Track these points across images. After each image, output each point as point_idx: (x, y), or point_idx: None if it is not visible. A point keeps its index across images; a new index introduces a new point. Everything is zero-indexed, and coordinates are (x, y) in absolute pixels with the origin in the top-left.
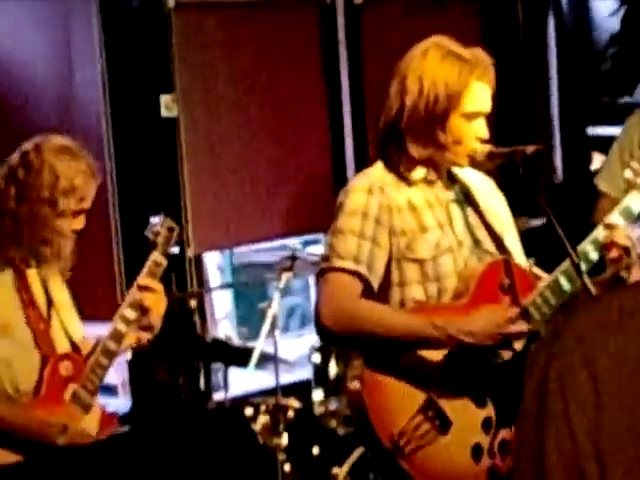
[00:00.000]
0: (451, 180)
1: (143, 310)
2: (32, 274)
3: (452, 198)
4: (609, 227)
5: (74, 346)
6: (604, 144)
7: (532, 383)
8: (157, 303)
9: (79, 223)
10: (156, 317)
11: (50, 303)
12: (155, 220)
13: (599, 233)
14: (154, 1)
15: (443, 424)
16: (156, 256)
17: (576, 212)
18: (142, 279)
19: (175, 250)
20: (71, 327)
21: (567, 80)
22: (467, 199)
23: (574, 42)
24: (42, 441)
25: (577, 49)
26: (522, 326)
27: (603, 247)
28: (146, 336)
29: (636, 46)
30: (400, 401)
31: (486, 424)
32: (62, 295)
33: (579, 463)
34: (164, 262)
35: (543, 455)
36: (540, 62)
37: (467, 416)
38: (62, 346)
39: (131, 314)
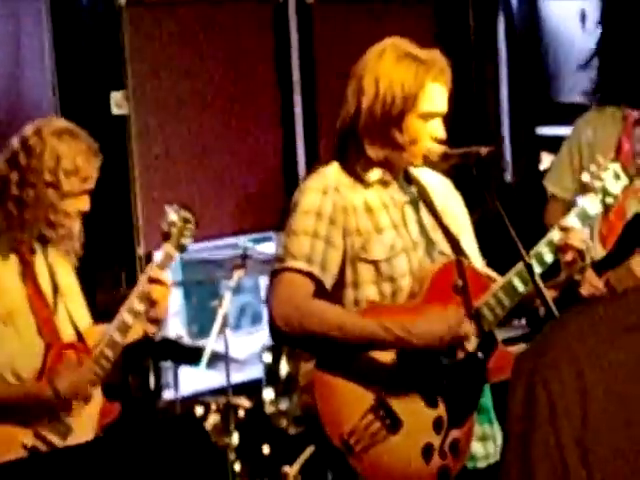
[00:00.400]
0: (407, 181)
1: (151, 302)
2: (38, 261)
3: (407, 199)
4: (564, 229)
5: (79, 335)
6: (553, 144)
7: (519, 391)
8: (164, 296)
9: (84, 204)
10: (163, 310)
11: (56, 290)
12: (170, 210)
13: (554, 235)
14: None
15: (393, 424)
16: (168, 248)
17: (526, 212)
18: (153, 271)
19: (189, 242)
20: (77, 315)
21: (517, 80)
22: (423, 200)
23: (524, 43)
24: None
25: (527, 49)
26: (469, 328)
27: (558, 249)
28: (153, 329)
29: (616, 62)
30: (351, 401)
31: (437, 424)
32: (70, 282)
33: (566, 471)
34: (176, 254)
35: (529, 462)
36: (490, 63)
37: (418, 416)
38: (67, 334)
39: (139, 306)
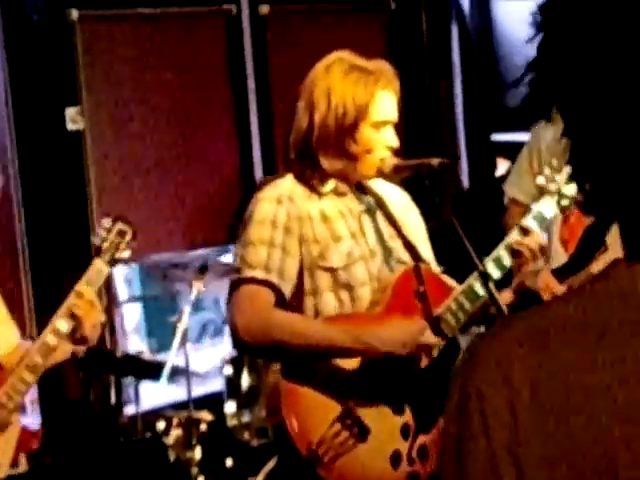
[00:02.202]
0: (362, 192)
1: (76, 320)
2: None
3: (363, 209)
4: (523, 232)
5: None
6: (508, 150)
7: (454, 395)
8: (89, 314)
9: None
10: (89, 329)
11: None
12: (105, 223)
13: (512, 238)
14: (57, 13)
15: (361, 432)
16: (99, 264)
17: (482, 218)
18: (79, 285)
19: (125, 255)
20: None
21: (471, 87)
22: (380, 209)
23: (478, 49)
24: None
25: (480, 56)
26: (432, 336)
27: (514, 252)
28: (81, 349)
29: (554, 73)
30: (317, 410)
31: (404, 430)
32: None
33: (498, 478)
34: (106, 270)
35: (464, 470)
36: (444, 70)
37: (385, 423)
38: None
39: (63, 325)
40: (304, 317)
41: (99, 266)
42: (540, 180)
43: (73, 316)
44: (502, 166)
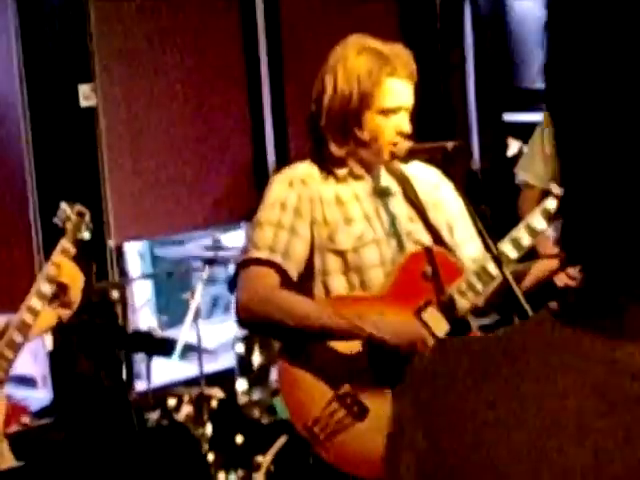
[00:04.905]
0: (388, 173)
1: (61, 287)
2: None
3: (381, 191)
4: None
5: None
6: (520, 130)
7: (394, 408)
8: (73, 278)
9: None
10: (75, 292)
11: None
12: (64, 206)
13: (533, 219)
14: None
15: (360, 411)
16: (64, 243)
17: (494, 198)
18: (55, 257)
19: (86, 236)
20: None
21: (483, 67)
22: (403, 191)
23: (490, 29)
24: None
25: (493, 36)
26: (428, 341)
27: (533, 233)
28: (66, 313)
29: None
30: (315, 389)
31: None
32: None
33: None
34: (72, 249)
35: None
36: (457, 50)
37: (384, 402)
38: None
39: (47, 289)
40: (304, 299)
41: (66, 246)
42: None
43: (58, 284)
44: (513, 146)
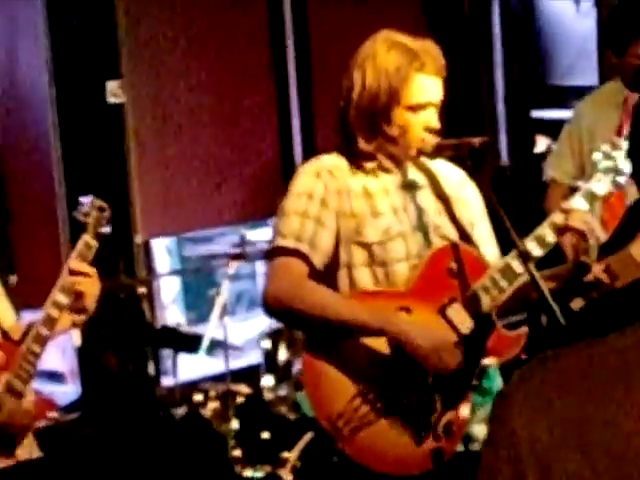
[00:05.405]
0: (416, 167)
1: (77, 294)
2: None
3: (410, 185)
4: (565, 211)
5: (4, 334)
6: (547, 127)
7: (491, 431)
8: (90, 286)
9: None
10: (90, 300)
11: None
12: (84, 200)
13: (557, 217)
14: None
15: (385, 407)
16: (86, 238)
17: (522, 194)
18: (72, 262)
19: (107, 230)
20: (1, 314)
21: (511, 64)
22: (431, 185)
23: (518, 26)
24: None
25: (521, 33)
26: (457, 358)
27: (558, 231)
28: (80, 319)
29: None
30: (339, 383)
31: (430, 406)
32: None
33: None
34: (94, 244)
35: None
36: (485, 47)
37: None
38: None
39: (63, 299)
40: (331, 291)
41: (88, 240)
42: (596, 156)
43: (72, 290)
44: (541, 143)
